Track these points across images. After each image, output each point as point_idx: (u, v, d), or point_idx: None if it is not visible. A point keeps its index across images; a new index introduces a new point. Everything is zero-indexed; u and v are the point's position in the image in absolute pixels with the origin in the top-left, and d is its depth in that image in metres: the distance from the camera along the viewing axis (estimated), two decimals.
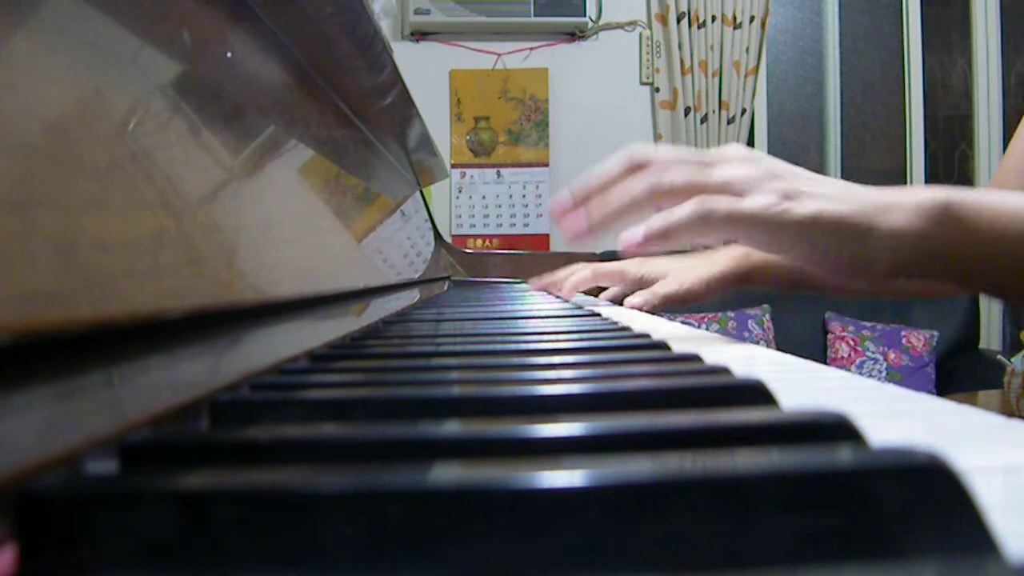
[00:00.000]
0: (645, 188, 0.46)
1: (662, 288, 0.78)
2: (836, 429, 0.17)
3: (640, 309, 0.77)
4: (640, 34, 2.98)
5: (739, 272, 0.77)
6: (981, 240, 0.42)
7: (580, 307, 0.71)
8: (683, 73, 2.91)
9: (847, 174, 3.14)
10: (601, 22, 2.97)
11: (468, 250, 1.57)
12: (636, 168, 0.48)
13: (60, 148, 0.21)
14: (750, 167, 0.45)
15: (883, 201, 0.42)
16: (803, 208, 0.42)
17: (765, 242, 0.43)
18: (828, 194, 0.43)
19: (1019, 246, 0.42)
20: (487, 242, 2.91)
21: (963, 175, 3.15)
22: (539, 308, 0.70)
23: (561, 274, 0.95)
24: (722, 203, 0.43)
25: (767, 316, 2.74)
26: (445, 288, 1.23)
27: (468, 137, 2.96)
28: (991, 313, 3.00)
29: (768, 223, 0.42)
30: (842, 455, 0.13)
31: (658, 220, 0.45)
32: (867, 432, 0.17)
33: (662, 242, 0.45)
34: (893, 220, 0.41)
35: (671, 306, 0.78)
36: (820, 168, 3.17)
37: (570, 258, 1.20)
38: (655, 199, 0.46)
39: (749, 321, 2.71)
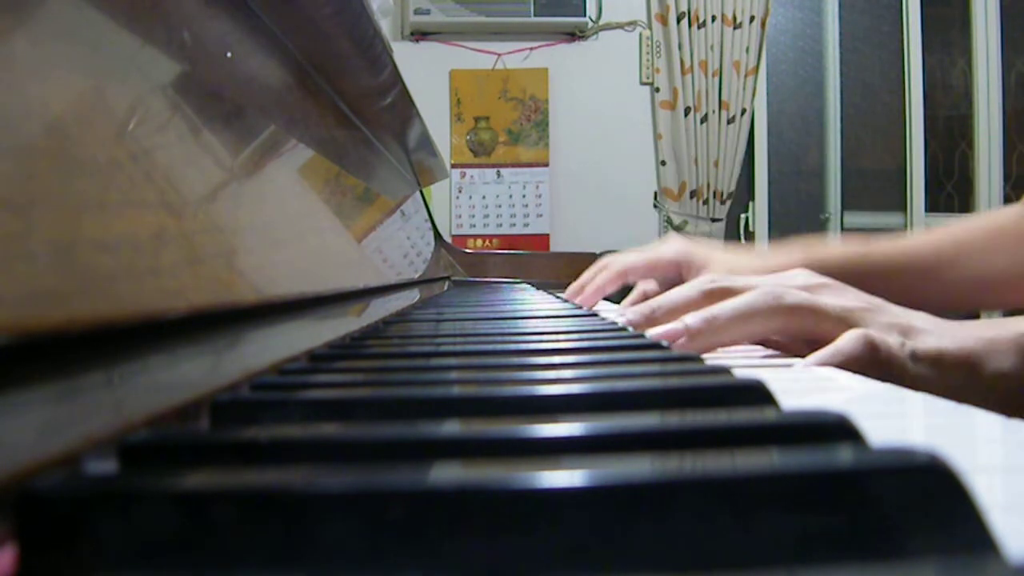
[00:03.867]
0: (768, 302, 0.43)
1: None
2: (836, 429, 0.17)
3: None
4: (640, 34, 2.98)
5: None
6: None
7: (580, 307, 0.71)
8: (683, 73, 2.91)
9: (847, 174, 3.14)
10: (601, 22, 2.97)
11: (468, 250, 1.57)
12: (713, 295, 0.45)
13: (60, 148, 0.21)
14: (847, 298, 0.44)
15: (986, 337, 0.42)
16: (925, 345, 0.41)
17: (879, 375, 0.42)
18: (939, 331, 0.42)
19: None
20: (487, 242, 2.91)
21: (963, 175, 3.15)
22: (539, 308, 0.70)
23: (586, 276, 0.80)
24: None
25: None
26: (445, 288, 1.23)
27: (468, 137, 2.96)
28: (991, 313, 3.00)
29: (895, 360, 0.41)
30: (842, 455, 0.13)
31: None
32: (867, 432, 0.17)
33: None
34: (997, 361, 0.41)
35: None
36: (820, 168, 3.17)
37: (572, 259, 1.20)
38: (777, 316, 0.43)
39: None
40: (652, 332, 0.42)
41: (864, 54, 3.19)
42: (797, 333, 0.45)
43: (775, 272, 0.65)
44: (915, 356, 0.41)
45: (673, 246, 0.75)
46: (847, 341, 0.40)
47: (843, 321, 0.43)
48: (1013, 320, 0.44)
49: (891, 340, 0.41)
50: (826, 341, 0.41)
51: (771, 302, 0.43)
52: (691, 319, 0.42)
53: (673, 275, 0.73)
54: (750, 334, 0.44)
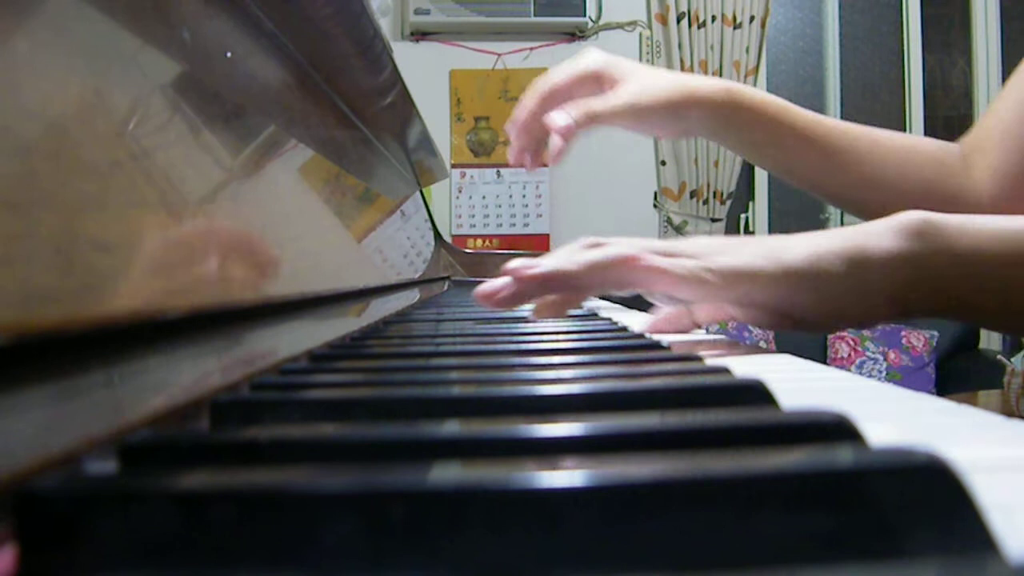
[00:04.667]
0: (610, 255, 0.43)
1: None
2: (836, 429, 0.17)
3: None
4: (640, 34, 2.98)
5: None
6: (965, 259, 0.40)
7: (579, 307, 0.71)
8: (683, 73, 2.91)
9: None
10: (601, 22, 2.97)
11: (468, 250, 1.57)
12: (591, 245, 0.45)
13: (60, 148, 0.21)
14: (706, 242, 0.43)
15: (860, 229, 0.41)
16: (786, 256, 0.40)
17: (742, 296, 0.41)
18: (800, 242, 0.41)
19: (1001, 267, 0.40)
20: (487, 242, 2.91)
21: None
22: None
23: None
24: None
25: None
26: (445, 288, 1.23)
27: (468, 137, 2.96)
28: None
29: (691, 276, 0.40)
30: (842, 455, 0.13)
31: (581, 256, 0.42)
32: (867, 432, 0.17)
33: (566, 283, 0.42)
34: (880, 243, 0.40)
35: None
36: None
37: None
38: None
39: None
40: (525, 272, 0.42)
41: (864, 54, 3.19)
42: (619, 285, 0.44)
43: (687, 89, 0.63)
44: (787, 263, 0.40)
45: (593, 56, 0.69)
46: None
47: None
48: (880, 219, 0.42)
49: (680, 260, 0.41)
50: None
51: (638, 260, 0.42)
52: (561, 262, 0.42)
53: (595, 89, 0.69)
54: (600, 284, 0.43)
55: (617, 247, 0.42)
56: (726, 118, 0.65)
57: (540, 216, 2.92)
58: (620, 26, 2.98)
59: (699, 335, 0.52)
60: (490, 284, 0.43)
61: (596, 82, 0.68)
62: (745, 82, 2.93)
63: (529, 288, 0.42)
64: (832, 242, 0.41)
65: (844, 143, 0.68)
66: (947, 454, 0.13)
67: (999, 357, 1.99)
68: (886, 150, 0.68)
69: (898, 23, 3.16)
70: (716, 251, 0.42)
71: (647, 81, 0.65)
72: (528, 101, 0.70)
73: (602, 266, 0.41)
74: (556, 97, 0.69)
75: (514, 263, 0.43)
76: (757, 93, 0.67)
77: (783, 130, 0.67)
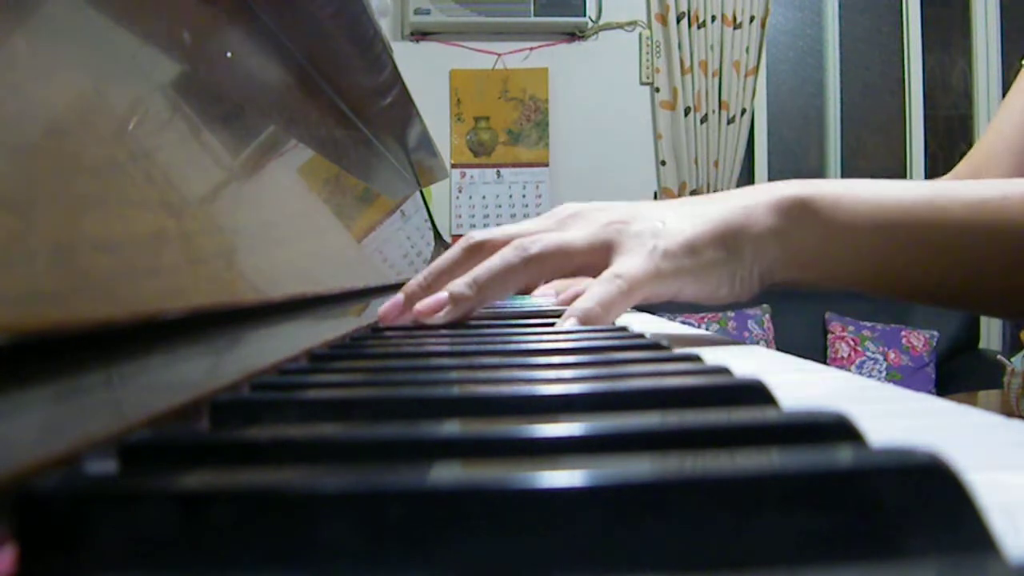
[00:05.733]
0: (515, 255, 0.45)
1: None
2: (836, 429, 0.17)
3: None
4: (640, 34, 2.98)
5: None
6: (837, 234, 0.41)
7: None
8: (683, 73, 2.91)
9: (847, 174, 3.14)
10: (601, 22, 2.97)
11: None
12: (474, 251, 0.48)
13: (60, 148, 0.21)
14: (597, 220, 0.45)
15: (740, 205, 0.42)
16: (674, 241, 0.41)
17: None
18: (690, 216, 0.42)
19: (875, 239, 0.41)
20: None
21: None
22: (538, 307, 0.70)
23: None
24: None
25: (767, 316, 2.74)
26: None
27: (468, 137, 2.96)
28: None
29: (657, 273, 0.41)
30: (842, 455, 0.13)
31: (480, 270, 0.45)
32: (867, 432, 0.17)
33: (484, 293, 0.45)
34: (757, 225, 0.41)
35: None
36: (820, 168, 3.17)
37: None
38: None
39: (749, 321, 2.71)
40: (420, 305, 0.45)
41: (864, 54, 3.19)
42: (554, 277, 0.46)
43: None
44: (667, 254, 0.41)
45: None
46: (597, 288, 0.42)
47: (595, 249, 0.43)
48: (763, 185, 0.43)
49: (637, 254, 0.42)
50: (593, 274, 0.43)
51: (521, 254, 0.44)
52: (454, 287, 0.45)
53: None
54: (513, 289, 0.46)
55: (501, 254, 0.45)
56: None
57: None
58: (620, 26, 2.98)
59: (699, 333, 0.52)
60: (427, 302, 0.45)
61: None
62: (745, 82, 2.93)
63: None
64: (714, 223, 0.42)
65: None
66: (947, 454, 0.13)
67: (999, 357, 1.99)
68: None
69: (898, 23, 3.16)
70: (608, 248, 0.43)
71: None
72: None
73: (492, 281, 0.44)
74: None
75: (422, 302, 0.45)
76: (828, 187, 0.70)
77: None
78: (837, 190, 0.41)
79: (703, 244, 0.41)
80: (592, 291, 0.42)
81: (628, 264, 0.42)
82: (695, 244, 0.41)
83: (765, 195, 0.42)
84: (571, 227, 0.46)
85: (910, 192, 0.41)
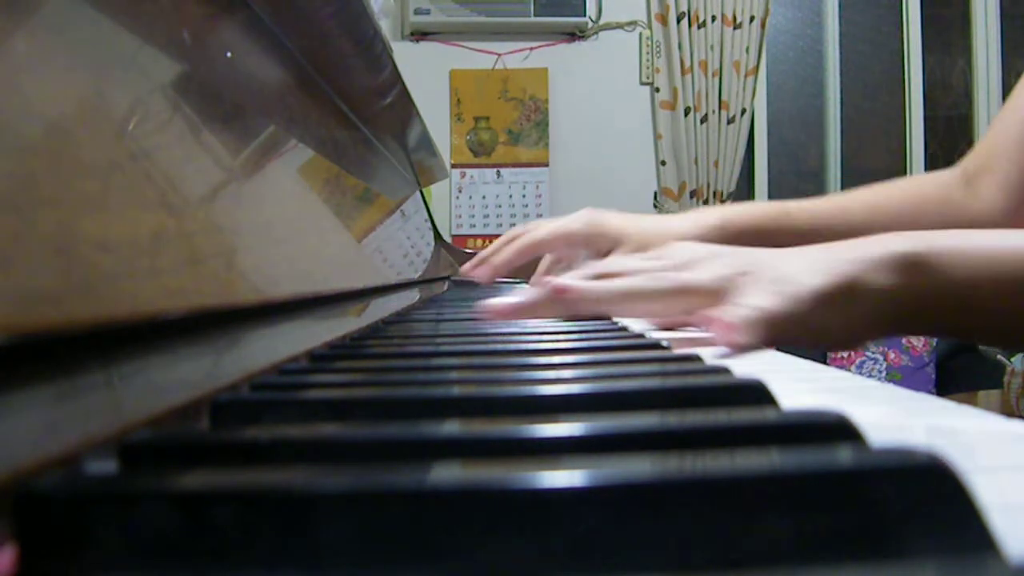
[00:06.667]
0: (670, 284, 0.46)
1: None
2: (836, 429, 0.17)
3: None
4: (640, 34, 2.98)
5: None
6: (957, 291, 0.40)
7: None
8: (683, 73, 2.91)
9: (847, 174, 3.14)
10: (601, 22, 2.97)
11: (468, 250, 1.57)
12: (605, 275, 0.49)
13: (60, 148, 0.21)
14: (723, 266, 0.45)
15: (859, 257, 0.41)
16: (804, 288, 0.41)
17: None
18: (812, 267, 0.42)
19: (993, 294, 0.40)
20: (487, 242, 2.91)
21: None
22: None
23: (492, 248, 0.79)
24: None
25: None
26: (445, 288, 1.23)
27: (468, 137, 2.96)
28: None
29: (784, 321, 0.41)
30: (842, 455, 0.13)
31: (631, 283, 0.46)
32: (867, 432, 0.17)
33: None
34: (876, 279, 0.40)
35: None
36: (820, 168, 3.17)
37: None
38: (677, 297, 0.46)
39: None
40: (573, 292, 0.47)
41: (864, 54, 3.19)
42: (672, 314, 0.47)
43: (687, 237, 0.66)
44: (798, 299, 0.41)
45: (583, 217, 0.74)
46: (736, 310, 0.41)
47: (717, 293, 0.43)
48: (875, 238, 0.43)
49: (767, 293, 0.41)
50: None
51: (669, 284, 0.46)
52: (572, 282, 0.47)
53: (584, 246, 0.74)
54: (629, 312, 0.48)
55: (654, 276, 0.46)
56: None
57: (540, 216, 2.92)
58: (620, 26, 2.98)
59: (699, 334, 0.52)
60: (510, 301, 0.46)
61: (584, 244, 0.72)
62: (745, 82, 2.93)
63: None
64: (835, 275, 0.41)
65: (844, 227, 0.69)
66: (947, 454, 0.13)
67: (999, 357, 1.99)
68: (888, 217, 0.69)
69: (898, 23, 3.16)
70: (738, 283, 0.43)
71: (638, 240, 0.70)
72: (507, 252, 0.74)
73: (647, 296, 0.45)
74: (538, 252, 0.75)
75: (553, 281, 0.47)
76: (748, 213, 0.70)
77: (783, 239, 0.68)
78: (949, 243, 0.41)
79: (827, 294, 0.41)
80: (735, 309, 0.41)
81: (759, 300, 0.41)
82: (820, 294, 0.41)
83: (879, 249, 0.42)
84: (697, 267, 0.47)
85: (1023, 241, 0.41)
